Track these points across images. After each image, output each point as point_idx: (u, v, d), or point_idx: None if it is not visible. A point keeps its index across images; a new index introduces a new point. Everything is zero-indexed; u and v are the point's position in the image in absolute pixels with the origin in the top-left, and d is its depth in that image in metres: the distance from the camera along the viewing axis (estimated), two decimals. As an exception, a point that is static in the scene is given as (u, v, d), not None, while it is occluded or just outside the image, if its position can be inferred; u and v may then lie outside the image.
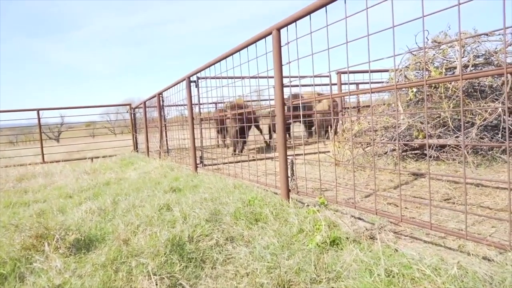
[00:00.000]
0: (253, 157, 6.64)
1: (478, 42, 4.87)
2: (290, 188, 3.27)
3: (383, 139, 5.17)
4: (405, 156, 5.17)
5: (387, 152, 5.18)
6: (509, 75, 4.45)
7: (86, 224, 3.08)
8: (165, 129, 8.37)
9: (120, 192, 4.35)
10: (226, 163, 5.65)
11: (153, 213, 3.10)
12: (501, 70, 1.62)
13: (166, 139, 8.40)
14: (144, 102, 9.67)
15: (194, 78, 6.12)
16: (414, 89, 5.10)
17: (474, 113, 4.66)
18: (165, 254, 2.15)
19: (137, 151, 11.52)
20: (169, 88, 7.10)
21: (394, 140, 4.89)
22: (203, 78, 5.95)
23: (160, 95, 8.07)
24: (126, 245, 2.38)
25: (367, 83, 8.11)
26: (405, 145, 5.10)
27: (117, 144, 11.96)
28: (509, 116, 4.68)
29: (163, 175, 5.59)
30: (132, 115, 11.91)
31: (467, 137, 4.42)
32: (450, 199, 3.14)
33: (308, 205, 2.88)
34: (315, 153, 7.37)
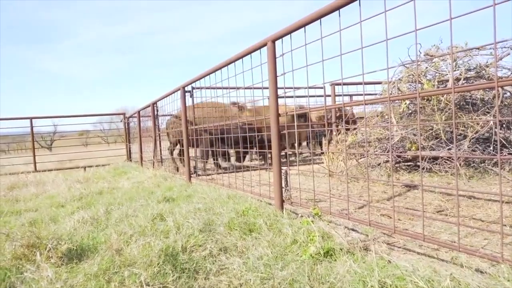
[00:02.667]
0: (247, 167, 6.64)
1: (470, 56, 4.95)
2: (284, 199, 3.27)
3: (377, 151, 5.21)
4: (398, 168, 5.20)
5: (380, 163, 5.21)
6: (500, 89, 4.52)
7: (78, 233, 3.05)
8: (159, 138, 8.35)
9: (113, 201, 4.32)
10: (220, 173, 5.64)
11: (146, 223, 3.08)
12: (492, 84, 1.64)
13: (160, 149, 8.37)
14: (139, 112, 9.66)
15: (189, 88, 6.14)
16: (407, 102, 5.16)
17: (466, 126, 4.71)
18: (158, 264, 2.14)
19: (131, 160, 11.46)
20: (163, 98, 7.10)
21: (387, 152, 4.92)
22: (198, 88, 5.96)
23: (155, 105, 8.07)
24: (118, 255, 2.36)
25: (361, 94, 8.17)
26: (398, 156, 5.14)
27: (110, 153, 11.91)
28: (500, 129, 4.75)
29: (156, 184, 5.56)
30: (126, 124, 11.86)
31: (459, 150, 4.46)
32: (443, 211, 3.16)
33: (302, 216, 2.88)
34: (309, 164, 7.39)
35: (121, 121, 12.20)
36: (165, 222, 3.06)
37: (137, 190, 5.14)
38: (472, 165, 4.69)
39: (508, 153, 4.53)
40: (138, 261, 2.20)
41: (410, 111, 5.38)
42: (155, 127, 8.04)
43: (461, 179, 4.20)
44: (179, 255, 2.31)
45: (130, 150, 11.76)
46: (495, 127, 4.48)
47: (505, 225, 2.62)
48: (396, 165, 5.23)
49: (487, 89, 4.86)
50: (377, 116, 5.73)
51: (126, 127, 11.89)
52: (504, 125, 4.93)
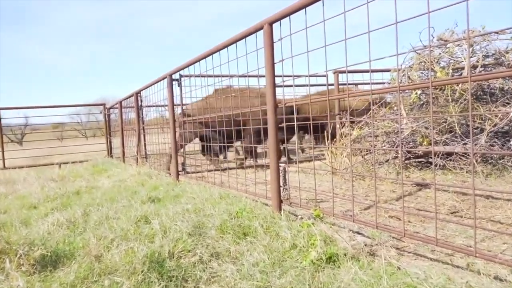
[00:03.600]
0: (241, 164, 6.64)
1: (488, 40, 4.96)
2: (282, 199, 3.27)
3: (384, 146, 5.22)
4: (408, 165, 5.22)
5: (388, 160, 5.23)
6: (521, 77, 4.54)
7: (53, 238, 3.04)
8: (143, 132, 8.32)
9: (91, 202, 4.31)
10: (211, 170, 5.64)
11: (129, 226, 3.07)
12: (511, 72, 1.65)
13: (145, 143, 8.35)
14: (120, 102, 9.61)
15: (176, 76, 6.11)
16: (418, 91, 5.17)
17: (483, 118, 4.73)
18: (142, 272, 2.13)
19: (112, 156, 11.42)
20: (148, 87, 7.07)
21: (396, 147, 4.93)
22: (186, 76, 5.94)
23: (138, 95, 8.03)
24: (98, 262, 2.36)
25: (367, 83, 8.18)
26: (408, 152, 5.15)
27: (89, 149, 11.85)
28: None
29: (140, 183, 5.55)
30: (106, 116, 11.81)
31: (475, 144, 4.48)
32: (457, 212, 3.18)
33: (302, 218, 2.89)
34: (310, 160, 7.41)
35: (100, 112, 12.14)
36: (150, 225, 3.06)
37: (118, 190, 5.13)
38: (490, 161, 4.71)
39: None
40: (120, 268, 2.20)
41: (421, 102, 5.39)
42: (138, 119, 8.01)
43: (478, 177, 4.22)
44: (166, 262, 2.31)
45: (111, 145, 11.72)
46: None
47: (525, 228, 2.64)
48: (406, 161, 5.25)
49: (507, 78, 4.87)
50: (385, 107, 5.73)
51: (107, 119, 11.83)
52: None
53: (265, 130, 3.34)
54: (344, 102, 7.08)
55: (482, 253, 1.88)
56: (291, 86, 7.70)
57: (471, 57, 5.00)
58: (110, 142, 11.72)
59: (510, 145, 4.52)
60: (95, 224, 3.35)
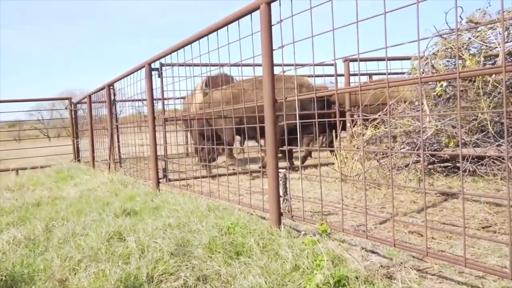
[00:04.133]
0: (233, 169, 6.64)
1: (527, 23, 4.98)
2: (282, 211, 3.27)
3: (404, 148, 5.23)
4: (432, 170, 5.23)
5: (408, 164, 5.24)
6: None
7: (8, 259, 3.03)
8: (117, 131, 8.30)
9: (55, 215, 4.30)
10: (198, 177, 5.64)
11: (100, 244, 3.07)
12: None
13: (118, 145, 8.33)
14: (89, 96, 9.58)
15: (156, 65, 6.11)
16: (444, 83, 5.18)
17: (520, 115, 4.74)
18: (115, 299, 2.13)
19: (79, 160, 11.37)
20: (123, 78, 7.06)
21: (417, 150, 4.95)
22: (168, 65, 5.93)
23: (111, 87, 8.01)
24: (62, 287, 2.35)
25: (384, 74, 8.21)
26: (432, 155, 5.17)
27: (52, 151, 11.79)
28: None
29: (113, 193, 5.54)
30: (73, 112, 11.77)
31: (511, 146, 4.50)
32: (490, 226, 3.19)
33: (305, 234, 2.89)
34: (315, 165, 7.42)
35: (66, 108, 12.10)
36: (125, 243, 3.05)
37: (87, 201, 5.12)
38: (528, 166, 4.73)
39: None
40: (88, 295, 2.19)
41: (447, 96, 5.41)
42: (111, 117, 7.99)
43: (514, 185, 4.24)
44: (144, 287, 2.31)
45: (78, 147, 11.66)
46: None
47: None
48: (430, 166, 5.26)
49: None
50: (405, 102, 5.75)
51: (73, 116, 11.79)
52: None
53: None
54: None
55: (519, 276, 1.89)
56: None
57: (507, 42, 5.02)
58: (77, 144, 11.65)
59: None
60: (59, 242, 3.34)
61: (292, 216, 3.24)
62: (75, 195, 5.66)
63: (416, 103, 5.58)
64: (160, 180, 5.85)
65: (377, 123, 5.65)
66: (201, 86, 7.31)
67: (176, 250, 2.79)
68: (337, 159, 5.43)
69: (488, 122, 4.70)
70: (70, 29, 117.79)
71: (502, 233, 3.00)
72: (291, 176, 5.71)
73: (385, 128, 5.37)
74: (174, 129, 7.86)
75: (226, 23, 3.68)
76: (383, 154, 5.37)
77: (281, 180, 3.35)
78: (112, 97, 8.09)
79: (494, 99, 4.76)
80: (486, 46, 5.05)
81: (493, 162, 4.73)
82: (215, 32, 3.91)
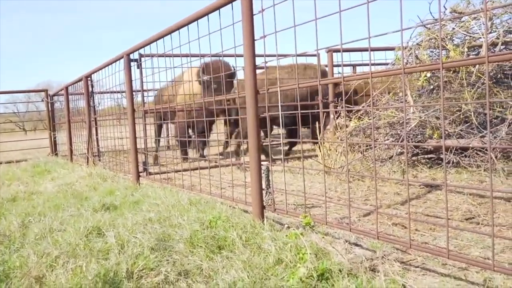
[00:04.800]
0: (215, 162, 6.64)
1: (510, 13, 5.03)
2: (265, 205, 3.28)
3: (387, 139, 5.27)
4: (416, 162, 5.28)
5: (392, 156, 5.29)
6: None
7: (-17, 255, 3.00)
8: (96, 124, 8.23)
9: (31, 211, 4.25)
10: (179, 171, 5.62)
11: (78, 239, 3.05)
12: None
13: (97, 138, 8.26)
14: (66, 88, 9.48)
15: (135, 55, 6.06)
16: (428, 74, 5.22)
17: (504, 106, 4.80)
18: (94, 295, 2.12)
19: (56, 154, 11.26)
20: (101, 69, 7.00)
21: (401, 141, 4.99)
22: (148, 56, 5.89)
23: (89, 78, 7.93)
24: (39, 284, 2.34)
25: (367, 65, 8.24)
26: (416, 147, 5.21)
27: (28, 145, 11.67)
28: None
29: (92, 187, 5.50)
30: (50, 105, 11.63)
31: (495, 137, 4.56)
32: (473, 218, 3.23)
33: (289, 227, 2.90)
34: (298, 157, 7.44)
35: (42, 100, 11.95)
36: (104, 238, 3.04)
37: (65, 195, 5.07)
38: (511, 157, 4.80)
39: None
40: (66, 291, 2.18)
41: (431, 87, 5.45)
42: (89, 109, 7.92)
43: (498, 176, 4.29)
44: (123, 283, 2.30)
45: (55, 141, 11.55)
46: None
47: (552, 236, 2.71)
48: (414, 158, 5.31)
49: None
50: (388, 93, 5.79)
51: (50, 108, 11.66)
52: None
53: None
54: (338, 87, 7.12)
55: (502, 267, 1.92)
56: (274, 67, 7.70)
57: (490, 32, 5.07)
58: (55, 137, 11.54)
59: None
60: (36, 238, 3.30)
61: (275, 209, 3.25)
62: (53, 189, 5.61)
63: (400, 94, 5.63)
64: (140, 174, 5.82)
65: (361, 115, 5.68)
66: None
67: (156, 245, 2.78)
68: (320, 151, 5.45)
69: (472, 113, 4.75)
70: (47, 19, 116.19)
71: (485, 225, 3.04)
72: (274, 169, 5.72)
73: (369, 119, 5.40)
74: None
75: (207, 13, 3.66)
76: (367, 146, 5.40)
77: (263, 172, 3.35)
78: (90, 89, 8.02)
79: (478, 90, 4.81)
80: (470, 36, 5.10)
81: (476, 153, 4.79)
82: (196, 22, 3.89)
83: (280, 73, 7.70)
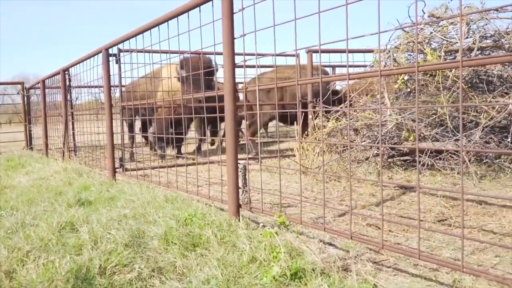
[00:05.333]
0: (193, 160, 6.62)
1: (486, 19, 5.12)
2: (241, 203, 3.29)
3: (364, 141, 5.32)
4: (392, 164, 5.34)
5: (369, 157, 5.34)
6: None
7: (-48, 249, 2.94)
8: (72, 118, 8.14)
9: (4, 205, 4.19)
10: (156, 167, 5.60)
11: (51, 234, 3.02)
12: (510, 57, 1.72)
13: (73, 133, 8.18)
14: (43, 81, 9.36)
15: (114, 50, 6.01)
16: (405, 77, 5.29)
17: (478, 110, 4.89)
18: (65, 291, 2.10)
19: (31, 148, 11.15)
20: (78, 63, 6.93)
21: (377, 143, 5.04)
22: (126, 51, 5.85)
23: (66, 72, 7.85)
24: (9, 279, 2.31)
25: (345, 66, 8.30)
26: (392, 149, 5.27)
27: (2, 138, 11.49)
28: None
29: (67, 182, 5.45)
30: (26, 98, 11.49)
31: (469, 141, 4.63)
32: (446, 220, 3.29)
33: (264, 226, 2.91)
34: (275, 156, 7.46)
35: (18, 93, 11.80)
36: (78, 234, 3.01)
37: (39, 190, 5.01)
38: (484, 161, 4.89)
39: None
40: (36, 287, 2.15)
41: (408, 90, 5.52)
42: (66, 103, 7.83)
43: (471, 179, 4.37)
44: (96, 279, 2.28)
45: (30, 134, 11.43)
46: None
47: (521, 239, 2.77)
48: (389, 159, 5.37)
49: (506, 64, 5.05)
50: (366, 95, 5.84)
51: (26, 101, 11.52)
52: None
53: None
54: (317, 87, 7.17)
55: (470, 268, 1.96)
56: (253, 66, 7.71)
57: (467, 37, 5.15)
58: (30, 131, 11.42)
59: (508, 142, 4.69)
60: (7, 233, 3.26)
61: (251, 208, 3.26)
62: (26, 184, 5.54)
63: (378, 96, 5.68)
64: (117, 170, 5.78)
65: (338, 116, 5.72)
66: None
67: (131, 242, 2.77)
68: (298, 151, 5.48)
69: (447, 117, 4.83)
70: (24, 9, 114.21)
71: (457, 227, 3.09)
72: (252, 168, 5.73)
73: (347, 120, 5.45)
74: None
75: (187, 9, 3.65)
76: (344, 147, 5.44)
77: (240, 171, 3.35)
78: (68, 83, 7.93)
79: (454, 94, 4.89)
80: (447, 41, 5.18)
81: (451, 156, 4.86)
82: (176, 18, 3.88)
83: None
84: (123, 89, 6.78)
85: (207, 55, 6.56)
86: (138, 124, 9.70)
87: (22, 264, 2.52)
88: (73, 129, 8.18)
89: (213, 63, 6.83)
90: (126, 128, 7.51)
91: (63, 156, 7.77)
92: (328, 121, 5.66)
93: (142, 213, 3.43)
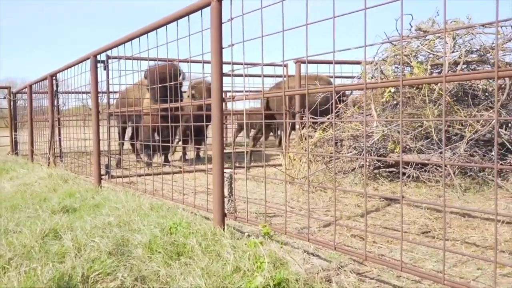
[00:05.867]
0: (179, 168, 6.61)
1: (472, 34, 5.20)
2: (226, 212, 3.29)
3: (351, 152, 5.35)
4: (377, 175, 5.38)
5: (355, 168, 5.37)
6: (506, 79, 4.79)
7: None
8: (59, 124, 8.10)
9: (-13, 211, 4.16)
10: (142, 175, 5.58)
11: (34, 242, 2.99)
12: (492, 73, 1.74)
13: (60, 139, 8.13)
14: (30, 86, 9.32)
15: (102, 57, 6.00)
16: (392, 89, 5.34)
17: (464, 124, 4.95)
18: (47, 299, 2.09)
19: (17, 153, 11.07)
20: (66, 69, 6.90)
21: (362, 154, 5.07)
22: (115, 58, 5.84)
23: (54, 78, 7.81)
24: (-9, 287, 2.28)
25: (331, 77, 8.35)
26: (378, 161, 5.31)
27: (-13, 143, 11.41)
28: (505, 129, 5.03)
29: (52, 188, 5.41)
30: (12, 102, 11.42)
31: (454, 154, 4.68)
32: (429, 231, 3.32)
33: (249, 235, 2.92)
34: (261, 166, 7.47)
35: (4, 97, 11.72)
36: (61, 241, 2.99)
37: (23, 196, 4.97)
38: (469, 174, 4.94)
39: (513, 160, 4.82)
40: (18, 294, 2.14)
41: (395, 102, 5.57)
42: (53, 108, 7.79)
43: (455, 192, 4.41)
44: (78, 287, 2.27)
45: (16, 139, 11.34)
46: (499, 126, 4.74)
47: (503, 251, 2.80)
48: (375, 171, 5.41)
49: (491, 79, 5.12)
50: (354, 106, 5.88)
51: (12, 106, 11.44)
52: (510, 124, 5.23)
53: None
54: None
55: (452, 281, 1.97)
56: (241, 75, 7.74)
57: (453, 52, 5.22)
58: (16, 136, 11.33)
59: (492, 156, 4.75)
60: (-11, 239, 3.23)
61: (236, 217, 3.26)
62: (10, 189, 5.49)
63: (366, 107, 5.72)
64: (102, 177, 5.75)
65: (326, 126, 5.76)
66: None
67: (114, 250, 2.76)
68: (285, 160, 5.49)
69: (433, 130, 4.88)
70: (12, 13, 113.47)
71: (440, 239, 3.11)
72: (238, 177, 5.74)
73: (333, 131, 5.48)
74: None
75: (176, 18, 3.66)
76: (330, 158, 5.47)
77: (226, 180, 3.36)
78: (55, 88, 7.89)
79: (440, 106, 4.94)
80: (434, 54, 5.25)
81: (436, 168, 4.91)
82: (165, 27, 3.89)
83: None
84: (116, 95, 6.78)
85: (174, 63, 6.53)
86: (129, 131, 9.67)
87: (4, 271, 2.50)
88: (59, 135, 8.13)
89: (179, 71, 6.84)
90: (115, 135, 7.49)
91: (49, 162, 7.71)
92: (315, 131, 5.68)
93: (126, 221, 3.42)
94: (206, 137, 8.89)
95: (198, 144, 9.37)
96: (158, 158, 8.13)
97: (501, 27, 5.03)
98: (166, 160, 8.25)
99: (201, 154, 9.26)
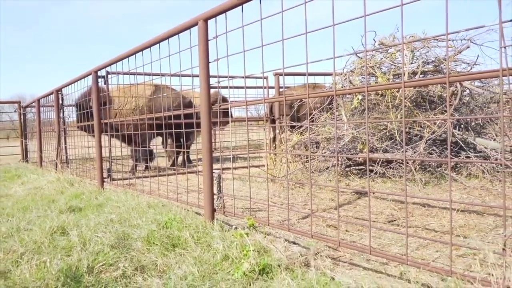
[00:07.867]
0: (174, 170, 6.58)
1: (428, 47, 5.28)
2: (215, 208, 3.29)
3: (325, 152, 5.38)
4: (349, 172, 5.41)
5: (329, 167, 5.40)
6: (458, 85, 4.87)
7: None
8: (65, 134, 8.03)
9: (0, 212, 4.10)
10: (140, 177, 5.55)
11: (44, 238, 2.96)
12: (444, 79, 1.77)
13: (66, 147, 8.06)
14: (38, 100, 9.24)
15: (102, 72, 5.96)
16: (360, 97, 5.39)
17: (422, 126, 5.01)
18: (56, 288, 2.07)
19: (27, 161, 10.98)
20: (70, 84, 6.84)
21: (334, 154, 5.11)
22: (114, 73, 5.81)
23: (59, 92, 7.75)
24: (4, 279, 2.25)
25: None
26: (349, 160, 5.35)
27: (1, 152, 11.25)
28: (458, 130, 5.11)
29: (59, 191, 5.36)
30: (22, 115, 11.31)
31: (414, 152, 4.74)
32: (394, 220, 3.34)
33: (236, 228, 2.92)
34: (246, 166, 7.48)
35: (15, 111, 11.61)
36: (68, 237, 2.97)
37: (33, 198, 4.92)
38: (428, 169, 5.01)
39: (466, 156, 4.90)
40: (30, 285, 2.11)
41: (363, 108, 5.62)
42: (59, 120, 7.73)
43: (416, 185, 4.46)
44: (84, 277, 2.25)
45: (26, 148, 11.26)
46: (453, 127, 4.81)
47: (458, 236, 2.84)
48: (347, 169, 5.45)
49: (444, 85, 5.19)
50: (327, 112, 5.92)
51: (22, 119, 11.34)
52: (462, 125, 5.31)
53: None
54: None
55: (414, 261, 2.00)
56: (226, 87, 7.75)
57: (412, 63, 5.29)
58: (26, 145, 11.26)
59: (447, 153, 4.82)
60: (3, 237, 3.19)
61: (225, 212, 3.26)
62: (22, 193, 5.43)
63: (337, 113, 5.77)
64: (105, 180, 5.70)
65: (302, 130, 5.79)
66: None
67: (116, 243, 2.74)
68: (267, 161, 5.51)
69: (396, 131, 4.93)
70: (23, 34, 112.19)
71: (404, 226, 3.14)
72: (227, 176, 5.73)
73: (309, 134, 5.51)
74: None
75: (168, 37, 3.67)
76: (307, 158, 5.50)
77: (215, 179, 3.36)
78: (60, 102, 7.84)
79: (401, 111, 5.00)
80: (395, 65, 5.31)
81: (399, 165, 4.96)
82: (158, 45, 3.89)
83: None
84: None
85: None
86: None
87: (17, 265, 2.47)
88: (65, 143, 8.07)
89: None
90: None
91: (56, 167, 7.64)
92: (292, 134, 5.71)
93: (127, 218, 3.40)
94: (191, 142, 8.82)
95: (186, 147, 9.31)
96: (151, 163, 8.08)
97: (452, 40, 5.12)
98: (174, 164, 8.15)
99: (191, 157, 9.15)
